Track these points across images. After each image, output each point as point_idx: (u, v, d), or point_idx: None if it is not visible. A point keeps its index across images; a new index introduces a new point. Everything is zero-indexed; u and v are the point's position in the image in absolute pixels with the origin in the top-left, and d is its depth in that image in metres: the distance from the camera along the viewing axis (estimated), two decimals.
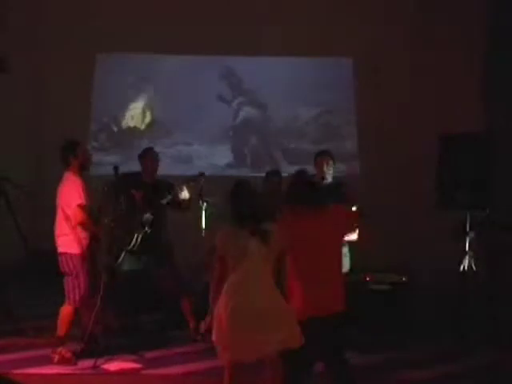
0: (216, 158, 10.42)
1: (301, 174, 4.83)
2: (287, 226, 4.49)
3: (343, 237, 4.87)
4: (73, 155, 6.49)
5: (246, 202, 4.55)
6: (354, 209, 6.74)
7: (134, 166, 8.04)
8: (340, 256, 4.77)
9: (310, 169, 7.02)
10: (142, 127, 10.50)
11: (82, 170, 6.55)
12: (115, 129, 10.48)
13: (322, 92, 10.32)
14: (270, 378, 4.49)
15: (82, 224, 6.28)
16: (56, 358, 6.28)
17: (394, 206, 8.49)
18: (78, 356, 6.32)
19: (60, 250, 6.35)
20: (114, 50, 10.10)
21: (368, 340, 6.73)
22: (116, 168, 6.46)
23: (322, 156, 6.83)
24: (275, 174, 7.99)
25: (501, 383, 5.92)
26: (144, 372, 5.72)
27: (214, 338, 4.46)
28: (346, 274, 6.69)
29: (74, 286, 6.33)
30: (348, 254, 6.79)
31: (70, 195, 6.31)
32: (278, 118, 10.52)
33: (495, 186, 7.08)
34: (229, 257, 4.51)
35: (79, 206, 6.25)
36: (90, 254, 6.35)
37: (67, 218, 6.30)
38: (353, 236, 6.59)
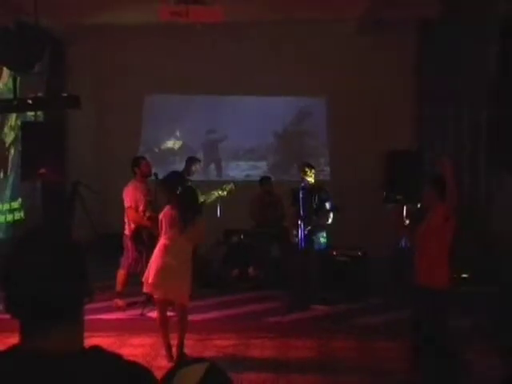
0: (233, 171, 10.73)
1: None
2: None
3: None
4: (137, 167, 6.87)
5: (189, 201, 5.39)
6: (328, 205, 7.30)
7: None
8: None
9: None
10: (175, 149, 10.75)
11: (145, 177, 6.89)
12: (156, 150, 10.79)
13: (303, 122, 10.58)
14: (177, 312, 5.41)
15: (132, 221, 6.78)
16: (114, 305, 6.82)
17: (355, 202, 8.71)
18: (130, 306, 6.80)
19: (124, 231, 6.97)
20: (158, 91, 10.42)
21: (334, 296, 7.12)
22: (156, 174, 6.77)
23: (300, 167, 7.59)
24: (268, 178, 8.67)
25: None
26: (175, 319, 5.61)
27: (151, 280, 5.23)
28: (322, 250, 7.31)
29: (125, 257, 6.87)
30: (324, 236, 7.30)
31: (125, 198, 6.79)
32: (273, 142, 10.80)
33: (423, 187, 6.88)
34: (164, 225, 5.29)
35: (128, 208, 6.75)
36: (138, 237, 6.71)
37: (126, 212, 6.86)
38: (329, 221, 7.21)
